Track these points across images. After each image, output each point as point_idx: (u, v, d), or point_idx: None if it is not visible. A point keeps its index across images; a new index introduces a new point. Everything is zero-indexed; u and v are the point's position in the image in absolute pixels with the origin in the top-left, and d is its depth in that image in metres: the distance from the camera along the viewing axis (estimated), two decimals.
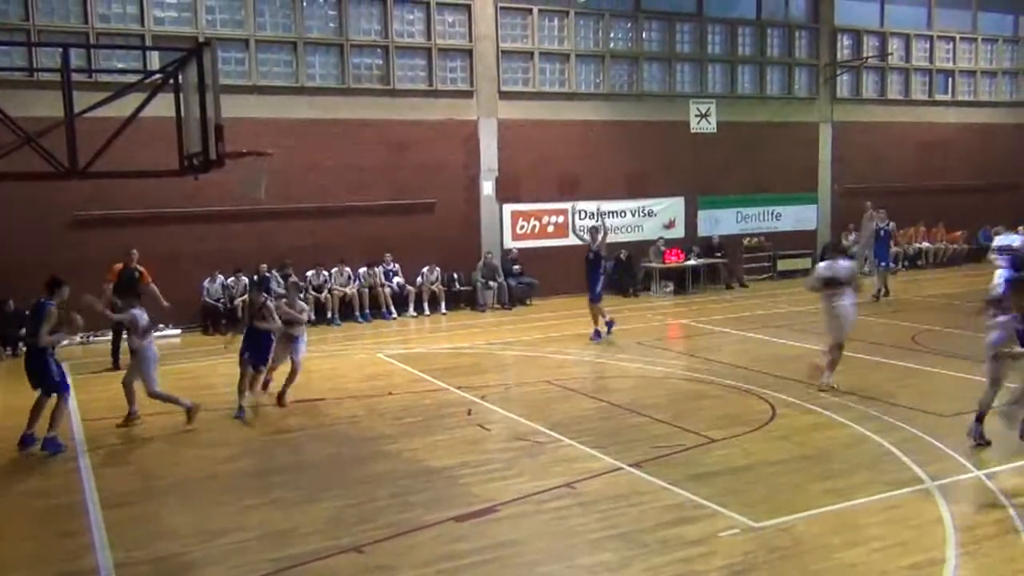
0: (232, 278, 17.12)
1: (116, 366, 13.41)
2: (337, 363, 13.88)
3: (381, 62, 18.85)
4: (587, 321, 15.53)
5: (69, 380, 9.94)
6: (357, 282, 18.18)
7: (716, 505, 7.26)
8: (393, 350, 14.57)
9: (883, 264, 19.72)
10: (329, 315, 17.69)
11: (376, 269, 18.36)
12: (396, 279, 18.58)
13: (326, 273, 17.93)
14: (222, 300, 16.98)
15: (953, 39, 26.08)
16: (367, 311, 17.97)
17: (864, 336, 14.78)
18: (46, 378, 9.39)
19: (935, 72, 25.86)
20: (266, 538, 6.89)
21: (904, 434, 9.13)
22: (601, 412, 10.46)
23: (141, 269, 14.12)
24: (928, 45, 25.77)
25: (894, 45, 25.12)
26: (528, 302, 19.56)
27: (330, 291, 17.82)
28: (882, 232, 19.93)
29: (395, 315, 18.20)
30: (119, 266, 14.06)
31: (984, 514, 7.05)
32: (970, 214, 25.39)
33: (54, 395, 9.44)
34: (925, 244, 25.31)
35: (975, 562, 6.22)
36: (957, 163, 25.70)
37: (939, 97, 25.96)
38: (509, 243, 20.06)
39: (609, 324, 15.30)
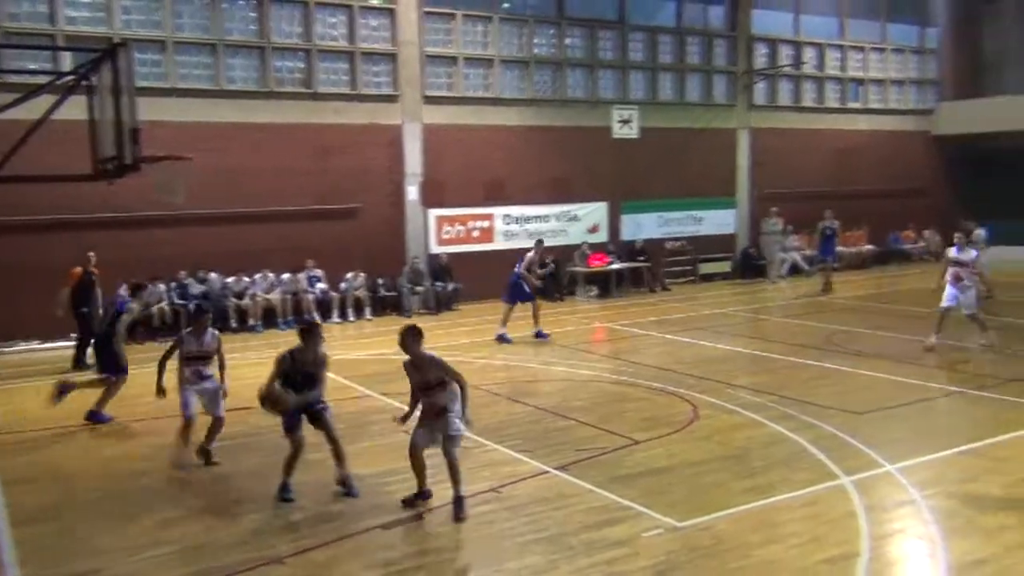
0: (150, 286, 16.68)
1: (80, 364, 13.80)
2: (260, 371, 13.54)
3: (303, 65, 18.63)
4: (512, 325, 15.64)
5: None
6: (280, 288, 17.91)
7: (640, 506, 7.37)
8: None
9: (829, 259, 21.41)
10: (251, 322, 17.38)
11: (299, 275, 18.11)
12: (320, 285, 18.36)
13: (248, 279, 17.61)
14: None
15: (864, 49, 27.02)
16: (290, 318, 17.71)
17: (782, 337, 15.22)
18: (112, 362, 10.90)
19: (847, 80, 26.74)
20: (187, 552, 6.73)
21: (820, 432, 9.40)
22: (527, 416, 10.51)
23: (96, 272, 14.28)
24: (840, 54, 26.64)
25: (808, 54, 25.89)
26: (454, 307, 19.54)
27: (252, 298, 17.51)
28: (828, 231, 21.29)
29: (319, 322, 17.95)
30: (78, 270, 14.08)
31: (895, 507, 7.31)
32: (880, 218, 26.29)
33: (115, 376, 10.84)
34: (840, 248, 26.09)
35: (887, 554, 6.45)
36: (868, 169, 26.59)
37: (851, 105, 26.86)
38: (435, 248, 20.02)
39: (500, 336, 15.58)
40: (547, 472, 8.32)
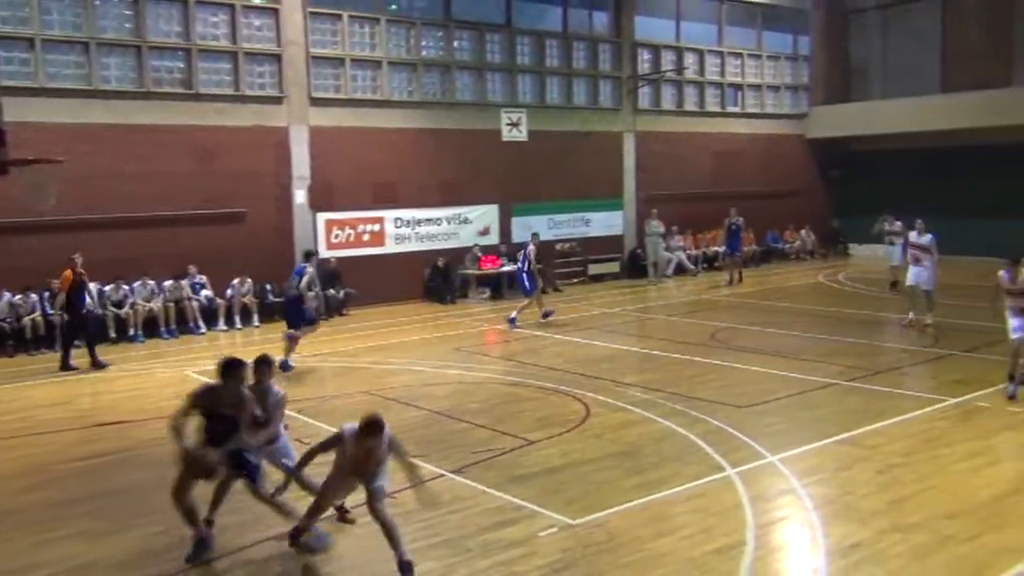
0: (20, 295, 15.86)
1: (67, 367, 14.00)
2: (141, 382, 13.15)
3: (183, 65, 18.03)
4: (405, 329, 15.60)
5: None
6: (162, 296, 17.29)
7: (535, 506, 7.45)
8: (202, 366, 13.92)
9: (736, 254, 23.20)
10: (132, 331, 16.71)
11: (182, 282, 17.52)
12: (204, 292, 17.81)
13: (127, 287, 16.92)
14: (8, 320, 15.68)
15: (741, 55, 28.03)
16: (173, 326, 17.12)
17: (669, 335, 15.64)
18: (300, 317, 13.62)
19: (726, 86, 27.68)
20: (69, 573, 6.43)
21: (707, 426, 9.72)
22: (422, 420, 10.47)
23: (84, 273, 14.47)
24: (719, 61, 27.56)
25: (689, 60, 26.67)
26: (346, 312, 19.29)
27: (132, 306, 16.84)
28: (734, 227, 22.92)
29: (204, 330, 17.45)
30: (68, 273, 14.14)
31: (777, 496, 7.62)
32: (758, 218, 27.25)
33: (301, 329, 13.56)
34: (722, 247, 26.97)
35: (771, 542, 6.72)
36: (747, 171, 27.58)
37: (730, 109, 27.82)
38: (324, 252, 19.69)
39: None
40: (442, 475, 8.31)
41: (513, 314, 17.20)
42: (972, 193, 25.17)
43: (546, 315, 17.40)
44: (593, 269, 24.29)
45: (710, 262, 26.47)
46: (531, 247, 17.39)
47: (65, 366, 14.09)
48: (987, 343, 13.12)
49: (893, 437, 9.19)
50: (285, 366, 12.81)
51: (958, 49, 27.18)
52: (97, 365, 14.14)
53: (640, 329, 17.18)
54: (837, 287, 22.22)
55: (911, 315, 15.78)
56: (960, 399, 10.59)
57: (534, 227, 22.83)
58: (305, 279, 13.72)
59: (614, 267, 24.96)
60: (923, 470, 8.17)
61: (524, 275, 17.41)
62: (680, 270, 25.06)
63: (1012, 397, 10.51)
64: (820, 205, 29.81)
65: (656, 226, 23.60)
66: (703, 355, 13.80)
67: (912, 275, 15.70)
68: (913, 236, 15.99)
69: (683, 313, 18.53)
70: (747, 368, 12.73)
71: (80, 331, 14.44)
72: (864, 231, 28.94)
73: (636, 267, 24.72)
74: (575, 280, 23.83)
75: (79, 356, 14.28)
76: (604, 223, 24.86)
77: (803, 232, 29.06)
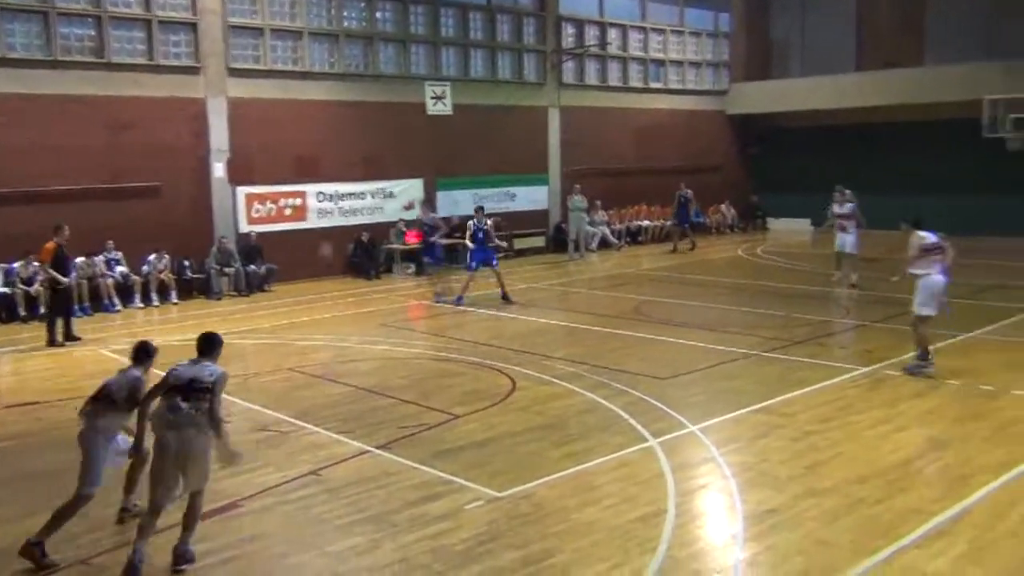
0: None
1: (53, 341, 13.65)
2: (55, 361, 12.73)
3: (94, 33, 17.36)
4: (329, 305, 15.44)
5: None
6: (74, 273, 16.69)
7: (462, 479, 7.49)
8: (118, 345, 13.54)
9: (684, 225, 24.70)
10: (42, 310, 16.12)
11: (96, 258, 16.98)
12: (119, 268, 17.29)
13: (37, 264, 16.29)
14: None
15: (664, 31, 28.30)
16: (86, 304, 16.59)
17: (594, 309, 15.82)
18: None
19: (649, 61, 27.94)
20: None
21: (630, 398, 9.88)
22: (347, 396, 10.40)
23: (67, 244, 14.16)
24: (643, 36, 27.78)
25: (612, 35, 26.83)
26: (267, 288, 18.97)
27: (42, 284, 16.22)
28: (683, 199, 24.52)
29: (119, 307, 16.96)
30: (51, 244, 13.84)
31: (698, 465, 7.82)
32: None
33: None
34: (645, 222, 27.37)
35: (692, 509, 6.89)
36: (669, 146, 27.95)
37: (653, 85, 28.10)
38: (244, 227, 19.30)
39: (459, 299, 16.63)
40: (368, 452, 8.29)
41: (459, 295, 16.72)
42: (886, 169, 25.99)
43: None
44: (518, 243, 24.35)
45: (634, 236, 26.82)
46: (487, 221, 17.11)
47: (52, 341, 13.74)
48: (896, 314, 13.62)
49: (808, 405, 9.50)
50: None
51: (872, 29, 28.00)
52: (53, 341, 13.74)
53: (565, 303, 17.33)
54: (756, 260, 22.76)
55: (836, 275, 17.48)
56: (870, 368, 10.98)
57: (458, 200, 22.83)
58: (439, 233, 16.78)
59: (539, 242, 25.10)
60: (835, 436, 8.47)
61: (477, 250, 16.83)
62: (604, 244, 25.32)
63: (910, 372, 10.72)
64: (740, 180, 30.42)
65: (579, 201, 23.74)
66: (627, 328, 14.00)
67: (839, 240, 17.46)
68: (835, 207, 17.66)
69: (607, 287, 18.75)
70: (669, 340, 12.96)
71: (64, 303, 14.06)
72: (777, 206, 29.83)
73: (561, 241, 24.89)
74: (500, 255, 23.81)
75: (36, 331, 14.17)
76: (529, 198, 24.94)
77: (723, 207, 29.63)
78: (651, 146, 27.43)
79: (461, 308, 16.21)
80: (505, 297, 16.68)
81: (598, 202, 25.15)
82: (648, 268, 21.72)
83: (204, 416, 6.04)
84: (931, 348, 10.84)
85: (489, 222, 17.28)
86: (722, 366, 11.40)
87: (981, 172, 24.79)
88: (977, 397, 9.70)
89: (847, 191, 17.84)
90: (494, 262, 16.99)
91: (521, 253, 24.21)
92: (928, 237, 10.86)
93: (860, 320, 14.53)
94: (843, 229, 17.41)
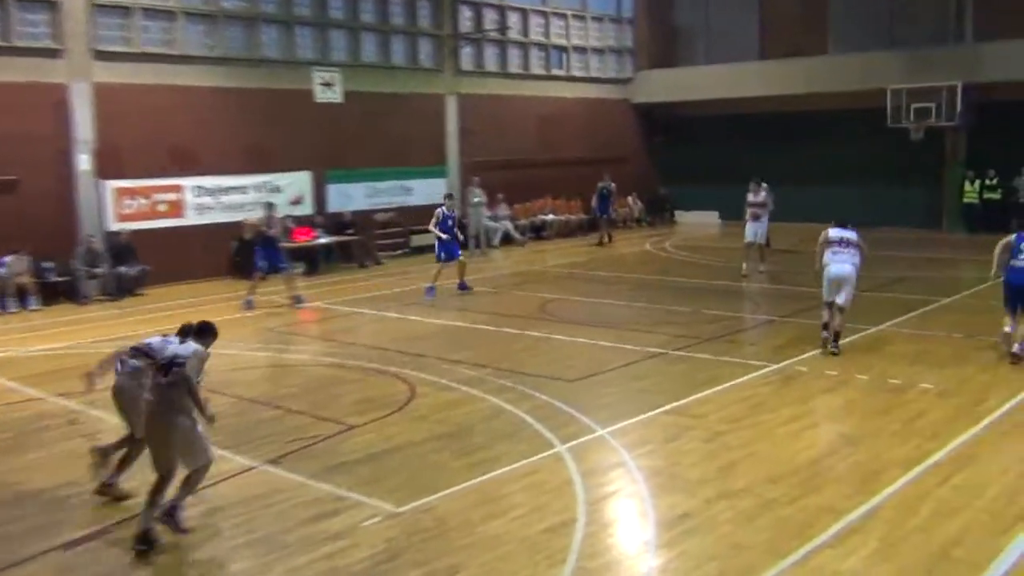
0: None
1: None
2: None
3: None
4: (210, 309, 15.05)
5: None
6: None
7: (358, 495, 7.38)
8: None
9: (605, 216, 25.56)
10: None
11: None
12: None
13: None
14: None
15: (566, 16, 28.59)
16: None
17: (496, 309, 15.86)
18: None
19: (551, 47, 28.18)
20: None
21: (536, 402, 9.93)
22: (230, 408, 10.11)
23: None
24: (544, 21, 27.99)
25: (512, 20, 26.95)
26: (140, 292, 18.32)
27: None
28: (605, 191, 25.34)
29: None
30: None
31: (608, 470, 7.91)
32: (584, 185, 27.91)
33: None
34: (550, 216, 27.57)
35: (603, 517, 6.96)
36: (573, 136, 28.29)
37: (555, 72, 28.36)
38: (114, 225, 18.61)
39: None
40: (255, 468, 8.09)
41: (429, 283, 17.31)
42: (792, 160, 26.83)
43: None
44: (415, 240, 24.16)
45: (538, 231, 27.00)
46: (445, 209, 17.58)
47: None
48: (805, 308, 14.09)
49: (719, 405, 9.73)
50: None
51: (775, 16, 28.86)
52: None
53: (466, 303, 17.30)
54: (664, 255, 23.22)
55: (745, 267, 18.41)
56: (781, 364, 11.33)
57: (351, 194, 22.57)
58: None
59: None
60: (747, 436, 8.69)
61: (447, 241, 17.42)
62: (507, 240, 25.40)
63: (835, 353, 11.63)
64: (647, 172, 30.96)
65: (478, 194, 23.75)
66: (532, 328, 14.07)
67: (750, 231, 18.44)
68: (750, 196, 18.62)
69: (511, 285, 18.82)
70: (577, 340, 13.09)
71: None
72: (683, 199, 30.53)
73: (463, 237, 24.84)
74: (396, 252, 23.68)
75: None
76: (427, 191, 24.73)
77: (630, 199, 30.11)
78: (555, 136, 27.68)
79: (355, 310, 16.03)
80: (463, 285, 17.57)
81: (500, 196, 25.22)
82: (553, 265, 21.90)
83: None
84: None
85: (456, 212, 18.23)
86: (631, 366, 11.57)
87: (886, 161, 25.86)
88: (885, 392, 10.11)
89: (763, 183, 18.67)
90: (458, 254, 17.69)
91: (420, 251, 24.00)
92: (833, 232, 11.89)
93: (770, 315, 14.97)
94: (756, 218, 18.41)
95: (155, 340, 7.20)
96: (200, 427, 6.76)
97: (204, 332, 7.38)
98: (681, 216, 30.98)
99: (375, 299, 17.15)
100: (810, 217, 20.62)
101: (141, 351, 7.14)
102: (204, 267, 19.82)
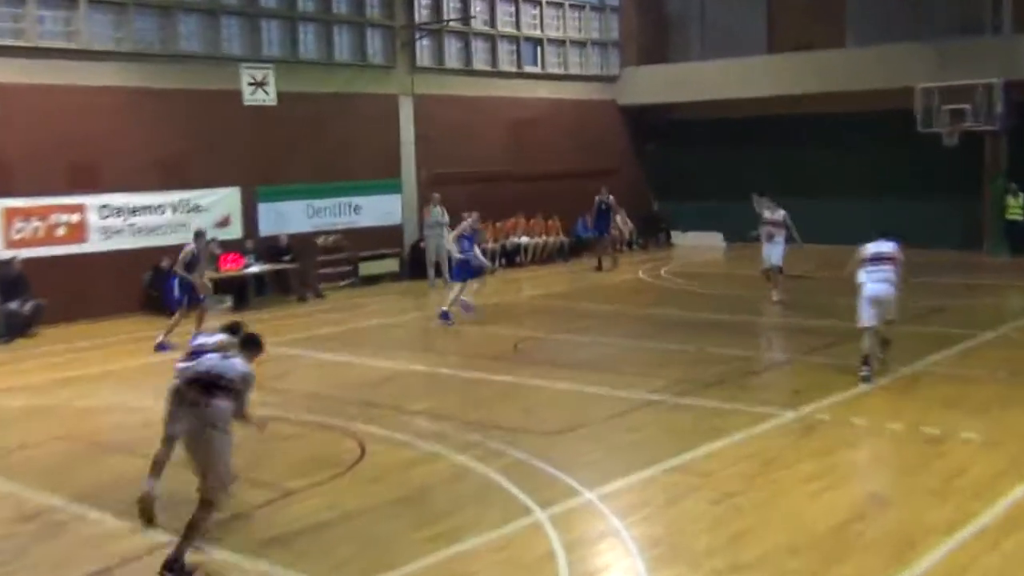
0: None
1: None
2: None
3: None
4: (118, 352, 14.89)
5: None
6: None
7: (297, 572, 7.32)
8: None
9: (604, 235, 26.33)
10: None
11: None
12: None
13: None
14: None
15: (540, 4, 28.85)
16: None
17: (462, 349, 15.86)
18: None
19: (522, 40, 28.42)
20: None
21: (509, 459, 9.88)
22: (142, 472, 9.97)
23: None
24: (513, 9, 28.24)
25: (477, 7, 27.14)
26: (32, 332, 18.14)
27: None
28: (603, 206, 26.06)
29: None
30: None
31: (597, 541, 7.88)
32: (564, 202, 28.07)
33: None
34: (524, 239, 27.53)
35: None
36: (550, 145, 28.36)
37: (528, 69, 28.58)
38: (3, 252, 18.47)
39: None
40: (172, 541, 7.97)
41: (444, 307, 17.83)
42: (809, 170, 27.12)
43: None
44: (365, 268, 24.15)
45: (510, 257, 26.98)
46: (468, 223, 18.62)
47: None
48: (825, 344, 14.18)
49: (728, 460, 9.73)
50: None
51: (784, 3, 29.18)
52: None
53: (427, 343, 17.30)
54: (660, 283, 23.33)
55: (774, 294, 18.86)
56: (799, 412, 11.37)
57: (287, 214, 22.54)
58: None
59: (392, 265, 24.97)
60: (761, 497, 8.70)
61: (468, 261, 18.22)
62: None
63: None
64: (638, 187, 31.12)
65: (439, 213, 23.67)
66: (503, 372, 14.03)
67: (764, 253, 18.94)
68: (766, 213, 19.01)
69: (479, 321, 18.80)
70: (556, 386, 13.07)
71: None
72: (682, 217, 30.70)
73: (420, 265, 24.84)
74: (342, 283, 23.63)
75: None
76: (378, 210, 24.82)
77: (619, 219, 30.16)
78: (529, 144, 27.81)
79: (294, 354, 15.96)
80: (445, 315, 17.86)
81: (465, 214, 25.19)
82: (530, 296, 21.95)
83: None
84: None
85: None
86: (622, 416, 11.56)
87: (915, 172, 26.10)
88: (921, 443, 10.16)
89: (764, 196, 18.99)
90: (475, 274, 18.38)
91: (370, 281, 23.98)
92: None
93: (786, 353, 15.05)
94: (770, 238, 18.79)
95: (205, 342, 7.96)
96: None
97: (250, 345, 7.89)
98: (678, 238, 31.13)
99: (316, 339, 17.06)
100: (828, 237, 20.85)
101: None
102: (111, 302, 19.66)
